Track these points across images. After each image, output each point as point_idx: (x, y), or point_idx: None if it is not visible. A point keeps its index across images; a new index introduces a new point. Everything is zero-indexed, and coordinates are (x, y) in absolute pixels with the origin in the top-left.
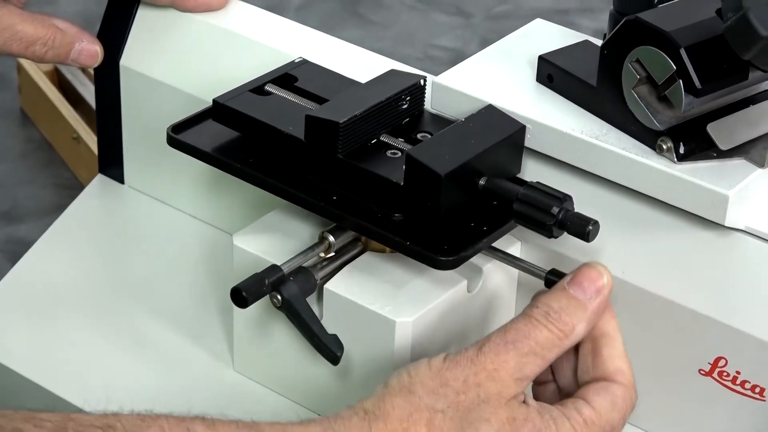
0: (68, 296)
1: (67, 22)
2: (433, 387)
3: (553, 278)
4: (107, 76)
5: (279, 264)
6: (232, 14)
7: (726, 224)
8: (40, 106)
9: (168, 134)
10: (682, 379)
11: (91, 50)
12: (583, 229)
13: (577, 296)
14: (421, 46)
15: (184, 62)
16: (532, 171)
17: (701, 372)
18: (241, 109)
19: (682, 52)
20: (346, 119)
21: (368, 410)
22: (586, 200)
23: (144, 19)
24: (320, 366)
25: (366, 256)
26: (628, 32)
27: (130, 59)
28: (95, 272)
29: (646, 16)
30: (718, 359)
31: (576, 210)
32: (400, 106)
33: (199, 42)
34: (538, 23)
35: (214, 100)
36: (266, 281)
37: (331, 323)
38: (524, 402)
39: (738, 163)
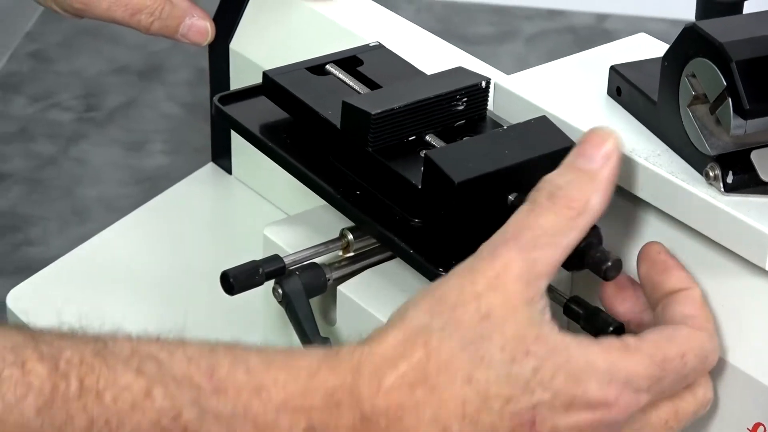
0: (126, 275)
1: None
2: (427, 306)
3: (574, 307)
4: (219, 60)
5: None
6: (343, 5)
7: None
8: None
9: (213, 104)
10: None
11: (201, 27)
12: (600, 267)
13: (584, 167)
14: None
15: (289, 50)
16: None
17: None
18: (286, 85)
19: (733, 66)
20: (379, 111)
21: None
22: (631, 226)
23: (257, 1)
24: None
25: (394, 263)
26: (687, 41)
27: (239, 43)
28: (163, 257)
29: (706, 24)
30: (757, 425)
31: (617, 235)
32: (454, 106)
33: (303, 31)
34: (642, 37)
35: (264, 73)
36: (261, 270)
37: (343, 327)
38: (545, 318)
39: None
